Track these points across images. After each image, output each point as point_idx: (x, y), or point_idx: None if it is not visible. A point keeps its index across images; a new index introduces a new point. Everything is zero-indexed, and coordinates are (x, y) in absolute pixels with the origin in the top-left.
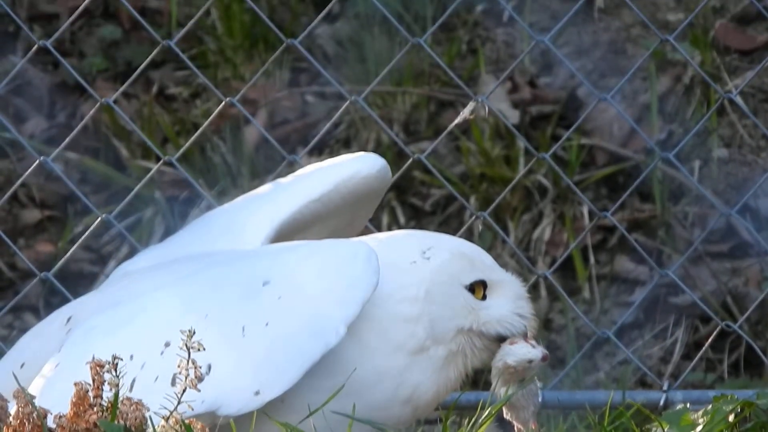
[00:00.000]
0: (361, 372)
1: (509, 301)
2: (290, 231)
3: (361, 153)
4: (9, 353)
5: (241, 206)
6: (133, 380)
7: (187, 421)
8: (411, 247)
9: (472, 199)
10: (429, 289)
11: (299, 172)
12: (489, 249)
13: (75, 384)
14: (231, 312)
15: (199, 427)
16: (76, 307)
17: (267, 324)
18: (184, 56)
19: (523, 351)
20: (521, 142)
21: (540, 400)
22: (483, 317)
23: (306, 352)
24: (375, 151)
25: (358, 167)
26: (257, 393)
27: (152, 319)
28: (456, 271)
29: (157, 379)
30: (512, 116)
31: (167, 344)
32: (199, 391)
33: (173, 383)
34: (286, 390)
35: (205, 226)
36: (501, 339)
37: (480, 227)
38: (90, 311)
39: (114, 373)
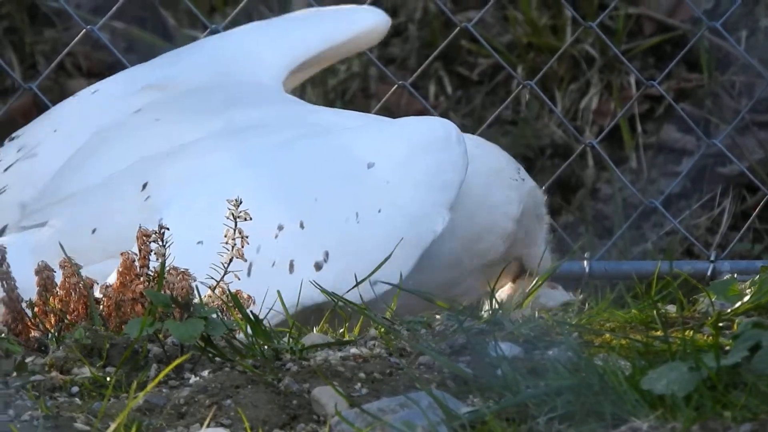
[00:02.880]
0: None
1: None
2: (299, 69)
3: (372, 7)
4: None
5: (252, 35)
6: (250, 265)
7: (233, 291)
8: (507, 161)
9: (519, 69)
10: (523, 212)
11: (315, 10)
12: (536, 119)
13: (121, 254)
14: (341, 196)
15: (245, 296)
16: (145, 165)
17: (379, 211)
18: None
19: (562, 296)
20: (568, 11)
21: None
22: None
23: (417, 240)
24: (422, 21)
25: (377, 21)
26: (375, 284)
27: (257, 202)
28: (538, 201)
29: (273, 264)
30: None
31: (280, 227)
32: (246, 260)
33: (290, 269)
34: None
35: (212, 50)
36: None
37: (527, 96)
38: (168, 178)
39: (160, 243)
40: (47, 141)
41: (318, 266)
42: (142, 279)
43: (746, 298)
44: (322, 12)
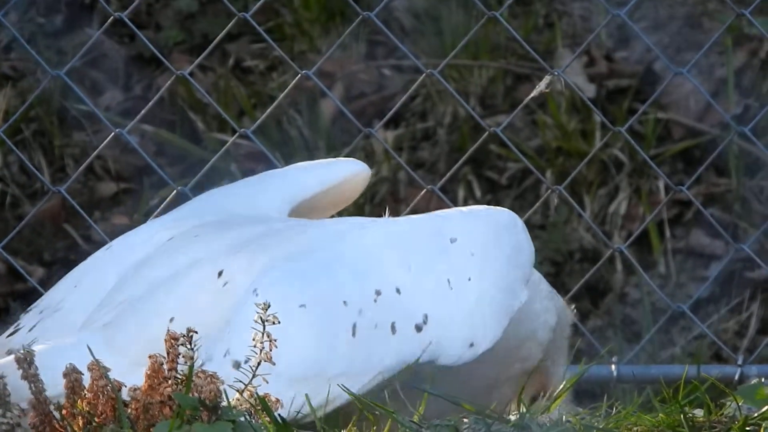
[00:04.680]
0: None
1: None
2: (298, 210)
3: (356, 160)
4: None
5: (250, 187)
6: (354, 325)
7: (262, 395)
8: (540, 275)
9: (548, 173)
10: (556, 324)
11: (308, 163)
12: (565, 223)
13: (149, 357)
14: (430, 264)
15: (273, 400)
16: (216, 260)
17: (470, 279)
18: (260, 29)
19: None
20: (597, 116)
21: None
22: None
23: (506, 307)
24: (451, 125)
25: (359, 169)
26: (471, 345)
27: (353, 266)
28: (568, 319)
29: (376, 326)
30: (588, 90)
31: (378, 293)
32: (274, 364)
33: (392, 331)
34: (496, 342)
35: (217, 201)
36: None
37: (556, 201)
38: (246, 266)
39: (189, 346)
40: (70, 296)
41: (418, 328)
42: (170, 382)
43: None
44: (316, 162)
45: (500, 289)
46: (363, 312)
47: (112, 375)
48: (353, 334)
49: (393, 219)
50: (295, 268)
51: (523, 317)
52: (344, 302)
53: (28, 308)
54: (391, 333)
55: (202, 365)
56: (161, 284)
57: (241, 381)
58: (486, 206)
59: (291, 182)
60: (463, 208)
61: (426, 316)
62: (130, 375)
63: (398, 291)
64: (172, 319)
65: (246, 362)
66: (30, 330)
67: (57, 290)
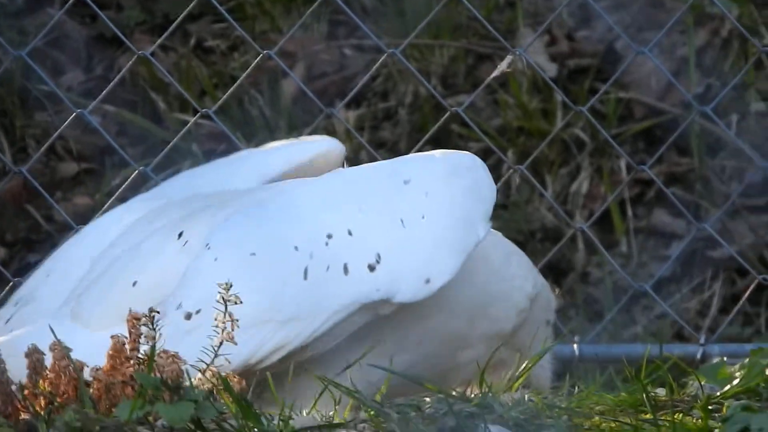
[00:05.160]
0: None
1: None
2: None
3: (330, 137)
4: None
5: (223, 167)
6: (306, 269)
7: (223, 374)
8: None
9: (510, 153)
10: (537, 299)
11: (280, 142)
12: (527, 202)
13: (111, 337)
14: (384, 205)
15: (236, 380)
16: (176, 224)
17: (423, 217)
18: (221, 9)
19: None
20: (559, 96)
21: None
22: None
23: (462, 243)
24: (412, 105)
25: (332, 146)
26: (427, 281)
27: (304, 213)
28: (551, 301)
29: (328, 268)
30: (550, 69)
31: (330, 236)
32: (236, 344)
33: (345, 272)
34: (452, 277)
35: (187, 182)
36: None
37: (517, 181)
38: (205, 226)
39: (150, 326)
40: (43, 286)
41: (371, 267)
42: (132, 362)
43: (735, 382)
44: (287, 142)
45: (456, 225)
46: (314, 255)
47: (79, 346)
48: (305, 278)
49: (352, 167)
50: (246, 220)
51: (492, 275)
52: (295, 247)
53: (5, 302)
54: (344, 274)
55: (158, 321)
56: (123, 254)
57: (203, 361)
58: (447, 150)
59: (260, 163)
60: (422, 153)
61: (378, 255)
62: (99, 345)
63: (350, 233)
64: (135, 283)
65: (197, 312)
66: (7, 322)
67: (31, 281)
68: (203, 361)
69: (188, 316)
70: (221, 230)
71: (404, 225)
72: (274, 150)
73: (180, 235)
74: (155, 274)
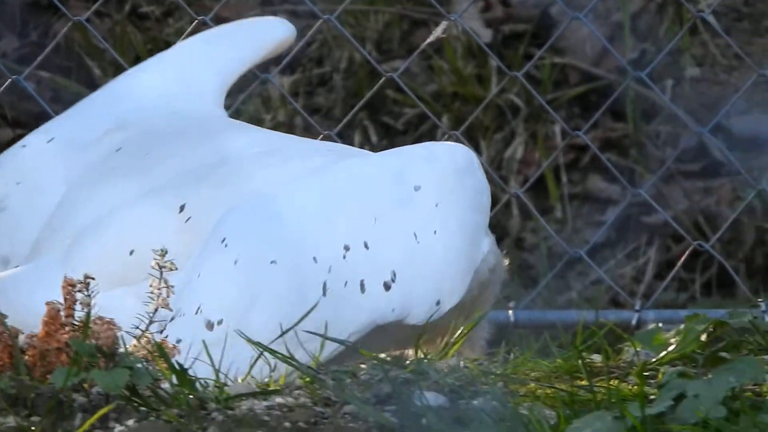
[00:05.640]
0: None
1: None
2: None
3: (280, 19)
4: None
5: (185, 63)
6: (325, 284)
7: (159, 341)
8: None
9: (445, 118)
10: (494, 267)
11: (232, 26)
12: None
13: (46, 304)
14: (396, 215)
15: (171, 347)
16: (176, 191)
17: (435, 232)
18: None
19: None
20: (494, 61)
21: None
22: None
23: (469, 261)
24: (347, 71)
25: (287, 34)
26: (438, 303)
27: (319, 216)
28: (502, 268)
29: (346, 284)
30: (485, 35)
31: (347, 248)
32: (171, 310)
33: (362, 289)
34: (462, 299)
35: (155, 86)
36: None
37: None
38: (209, 202)
39: (86, 293)
40: (14, 194)
41: (387, 286)
42: (67, 329)
43: (671, 348)
44: (240, 27)
45: (464, 242)
46: (333, 269)
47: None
48: (324, 294)
49: (356, 157)
50: (262, 218)
51: None
52: (314, 258)
53: None
54: (361, 292)
55: (172, 319)
56: (115, 212)
57: (138, 328)
58: (443, 144)
59: (222, 64)
60: (423, 147)
61: (394, 274)
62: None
63: (366, 246)
64: (132, 252)
65: (219, 323)
66: None
67: None
68: (139, 328)
69: (210, 326)
70: (235, 223)
71: (417, 240)
72: (234, 43)
73: (182, 208)
74: (155, 247)
